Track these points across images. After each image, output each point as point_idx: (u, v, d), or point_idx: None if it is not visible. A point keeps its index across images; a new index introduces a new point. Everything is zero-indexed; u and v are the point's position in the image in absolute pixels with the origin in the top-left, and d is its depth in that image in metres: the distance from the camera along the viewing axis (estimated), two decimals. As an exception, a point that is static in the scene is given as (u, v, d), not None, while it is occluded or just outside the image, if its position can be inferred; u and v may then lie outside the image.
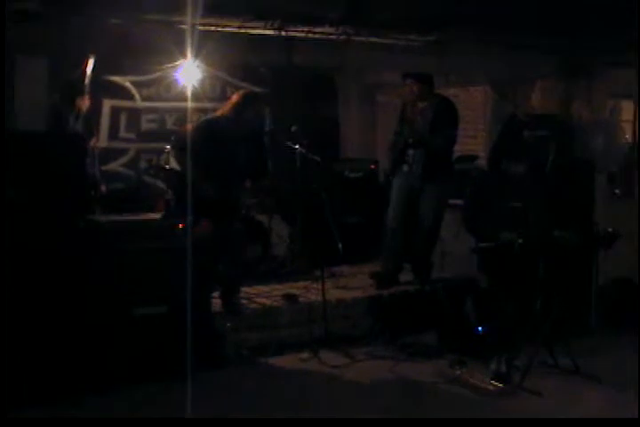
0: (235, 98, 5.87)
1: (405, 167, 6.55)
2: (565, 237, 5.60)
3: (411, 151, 6.51)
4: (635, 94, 7.75)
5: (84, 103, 6.63)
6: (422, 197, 6.47)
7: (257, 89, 8.44)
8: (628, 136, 8.16)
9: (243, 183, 6.07)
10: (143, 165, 7.62)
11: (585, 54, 7.56)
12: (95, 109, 7.30)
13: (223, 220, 5.61)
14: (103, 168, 7.29)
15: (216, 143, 5.64)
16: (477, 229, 5.91)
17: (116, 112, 7.71)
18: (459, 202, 6.77)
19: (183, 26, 6.29)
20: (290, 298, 6.11)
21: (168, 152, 6.44)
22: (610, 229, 5.88)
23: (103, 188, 6.41)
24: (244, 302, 5.99)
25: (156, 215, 5.56)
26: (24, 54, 6.18)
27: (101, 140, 7.56)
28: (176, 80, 7.43)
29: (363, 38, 7.29)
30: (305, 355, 5.63)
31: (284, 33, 7.12)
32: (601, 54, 7.42)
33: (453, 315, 5.87)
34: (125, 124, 7.80)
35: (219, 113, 5.94)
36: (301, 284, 6.56)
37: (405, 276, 6.80)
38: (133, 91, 7.79)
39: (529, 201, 5.84)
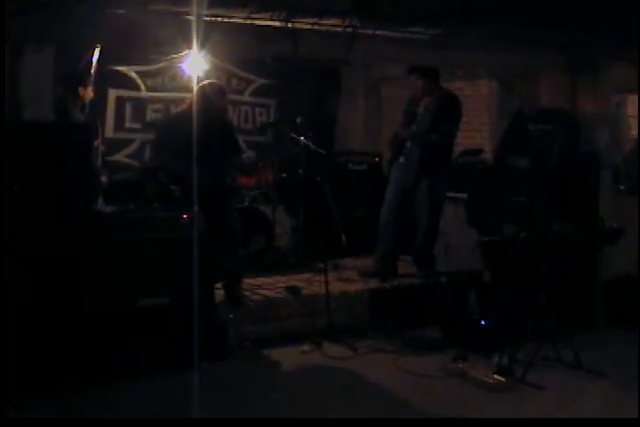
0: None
1: (402, 159, 6.58)
2: (569, 232, 5.59)
3: (408, 144, 6.53)
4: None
5: (90, 93, 6.62)
6: (417, 190, 6.48)
7: (264, 80, 8.46)
8: (634, 131, 8.14)
9: (220, 169, 6.02)
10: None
11: (590, 48, 7.54)
12: (101, 99, 7.30)
13: (212, 208, 5.59)
14: (108, 159, 7.29)
15: (183, 135, 5.64)
16: (481, 223, 5.91)
17: (121, 102, 7.71)
18: (463, 195, 6.77)
19: (189, 16, 6.27)
20: (293, 290, 6.12)
21: None
22: (614, 225, 5.87)
23: (104, 178, 6.39)
24: (246, 293, 6.00)
25: (160, 206, 5.55)
26: (29, 44, 6.16)
27: (107, 131, 7.57)
28: (181, 70, 7.41)
29: (369, 31, 7.26)
30: (307, 347, 5.64)
31: (290, 25, 7.10)
32: (606, 48, 7.39)
33: (456, 309, 5.87)
34: (131, 114, 7.79)
35: (184, 107, 6.09)
36: (304, 276, 6.57)
37: (408, 269, 6.80)
38: (139, 81, 7.78)
39: (533, 195, 5.83)
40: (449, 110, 6.46)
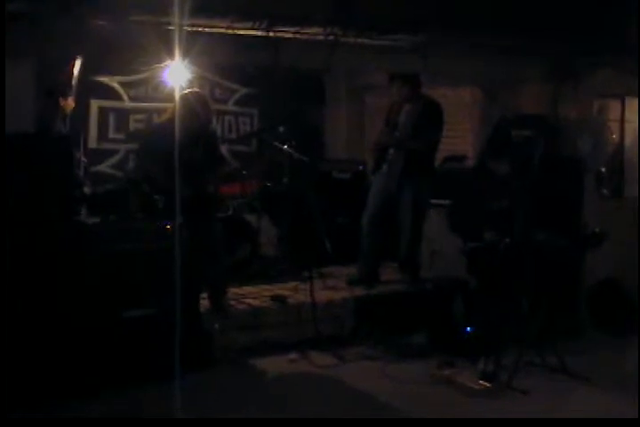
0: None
1: (385, 167, 6.57)
2: (552, 238, 5.61)
3: (391, 151, 6.52)
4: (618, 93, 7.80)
5: (71, 104, 6.60)
6: (400, 197, 6.47)
7: (247, 89, 8.47)
8: (615, 136, 8.21)
9: (203, 179, 5.98)
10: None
11: (571, 55, 7.60)
12: (83, 110, 7.28)
13: (195, 218, 5.58)
14: (92, 169, 7.27)
15: (165, 145, 5.61)
16: (463, 230, 5.92)
17: (104, 113, 7.69)
18: (446, 202, 6.78)
19: (171, 26, 6.28)
20: (278, 299, 6.11)
21: None
22: (597, 230, 5.88)
23: (86, 189, 6.37)
24: (232, 302, 5.99)
25: (143, 216, 5.54)
26: (9, 55, 6.14)
27: (90, 141, 7.55)
28: (164, 80, 7.42)
29: (350, 39, 7.30)
30: (294, 356, 5.63)
31: (271, 33, 7.13)
32: (587, 55, 7.45)
33: (442, 315, 5.88)
34: (114, 124, 7.77)
35: (166, 116, 6.03)
36: (290, 284, 6.55)
37: (393, 275, 6.80)
38: (121, 91, 7.77)
39: (516, 201, 5.85)
40: (430, 117, 6.46)
